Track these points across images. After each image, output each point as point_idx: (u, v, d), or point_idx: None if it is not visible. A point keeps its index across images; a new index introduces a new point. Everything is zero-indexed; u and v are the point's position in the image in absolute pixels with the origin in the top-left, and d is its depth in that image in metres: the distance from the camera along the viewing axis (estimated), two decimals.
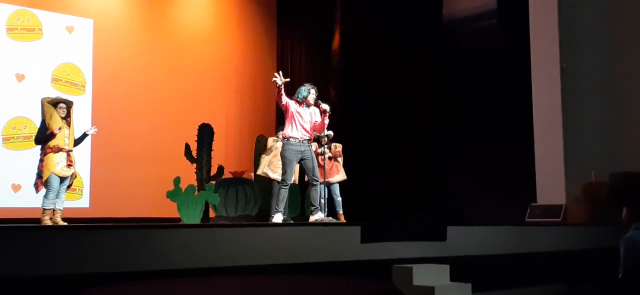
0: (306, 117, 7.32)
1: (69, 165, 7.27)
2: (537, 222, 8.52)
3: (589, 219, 8.37)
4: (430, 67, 11.10)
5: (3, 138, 10.71)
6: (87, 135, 7.80)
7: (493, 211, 9.04)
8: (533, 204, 9.13)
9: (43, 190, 7.29)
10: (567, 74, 9.26)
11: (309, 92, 7.37)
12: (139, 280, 4.08)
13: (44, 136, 7.23)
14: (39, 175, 7.25)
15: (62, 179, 7.26)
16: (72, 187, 7.63)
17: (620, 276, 4.03)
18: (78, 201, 11.29)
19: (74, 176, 7.47)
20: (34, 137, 7.45)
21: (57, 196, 7.22)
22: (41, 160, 7.24)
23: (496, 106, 9.95)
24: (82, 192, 11.41)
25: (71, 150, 7.36)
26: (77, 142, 7.64)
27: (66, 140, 7.27)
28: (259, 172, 9.22)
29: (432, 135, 10.77)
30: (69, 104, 7.46)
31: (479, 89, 10.21)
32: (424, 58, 11.19)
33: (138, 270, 4.61)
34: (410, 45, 11.34)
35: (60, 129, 7.20)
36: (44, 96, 7.63)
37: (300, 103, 7.33)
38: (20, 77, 11.11)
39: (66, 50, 11.64)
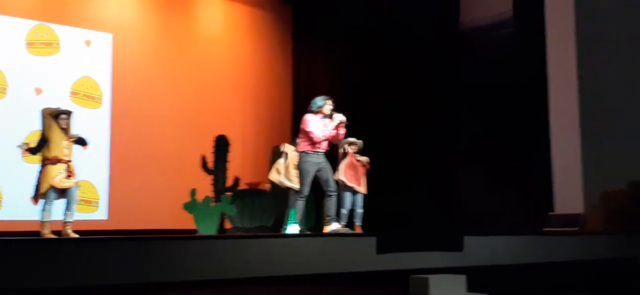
0: (320, 127, 7.32)
1: (69, 176, 7.12)
2: (555, 231, 8.45)
3: (608, 228, 8.29)
4: (448, 76, 11.07)
5: (23, 152, 10.79)
6: (82, 138, 7.55)
7: (510, 221, 8.99)
8: (550, 213, 9.06)
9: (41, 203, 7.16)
10: (584, 81, 9.20)
11: (325, 102, 7.38)
12: (156, 293, 4.10)
13: (33, 149, 7.14)
14: (37, 187, 7.10)
15: (63, 191, 7.12)
16: (87, 200, 7.46)
17: None
18: (94, 213, 11.36)
19: (78, 186, 7.30)
20: (29, 150, 7.26)
21: (68, 209, 7.14)
22: (39, 172, 7.10)
23: (513, 114, 9.91)
24: (97, 204, 11.48)
25: (70, 161, 7.19)
26: (80, 142, 7.42)
27: (65, 151, 7.13)
28: (274, 178, 9.18)
29: (449, 145, 10.73)
30: (69, 115, 7.32)
31: (496, 97, 10.17)
32: (441, 67, 11.17)
33: (154, 282, 4.63)
34: (427, 55, 11.32)
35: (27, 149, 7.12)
36: (44, 107, 7.47)
37: (315, 113, 7.35)
38: (38, 91, 11.23)
39: (84, 64, 11.76)
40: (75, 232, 7.15)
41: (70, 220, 7.14)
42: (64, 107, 7.46)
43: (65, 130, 7.19)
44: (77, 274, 4.41)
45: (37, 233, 7.01)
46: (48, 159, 7.06)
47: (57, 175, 7.01)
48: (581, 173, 8.99)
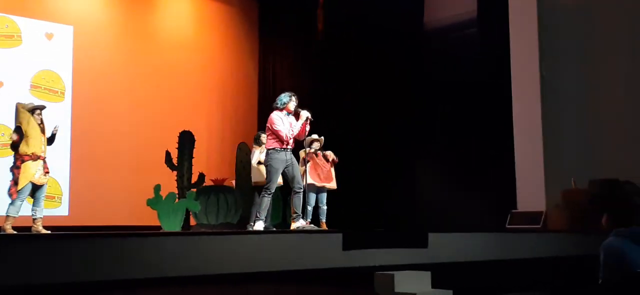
0: (287, 125, 7.33)
1: (46, 173, 7.15)
2: (518, 228, 8.57)
3: (569, 226, 8.42)
4: (411, 75, 11.14)
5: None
6: (55, 133, 7.62)
7: (474, 218, 9.08)
8: (513, 210, 9.18)
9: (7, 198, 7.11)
10: (546, 81, 9.34)
11: (290, 99, 7.42)
12: (118, 290, 4.05)
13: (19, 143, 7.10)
14: (16, 182, 7.07)
15: (39, 187, 7.12)
16: (51, 195, 7.48)
17: (600, 282, 4.04)
18: (57, 209, 11.18)
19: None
20: (10, 145, 7.27)
21: (37, 204, 7.11)
22: (17, 167, 7.06)
23: (476, 113, 10.01)
24: (60, 199, 11.30)
25: (46, 157, 7.22)
26: (50, 141, 7.50)
27: (43, 147, 7.13)
28: (254, 180, 9.15)
29: (413, 143, 10.80)
30: (42, 110, 7.32)
31: (459, 96, 10.27)
32: (404, 66, 11.23)
33: (116, 279, 4.56)
34: (391, 53, 11.38)
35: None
36: (19, 102, 7.42)
37: (280, 110, 7.36)
38: None
39: (45, 57, 11.54)
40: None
41: (40, 216, 7.13)
42: (37, 103, 7.47)
43: (41, 126, 7.16)
44: (38, 271, 4.33)
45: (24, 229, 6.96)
46: (28, 155, 7.00)
47: (36, 172, 6.97)
48: (543, 171, 9.12)
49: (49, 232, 6.87)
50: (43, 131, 7.21)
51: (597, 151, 9.15)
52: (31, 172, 6.97)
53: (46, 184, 7.21)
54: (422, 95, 10.90)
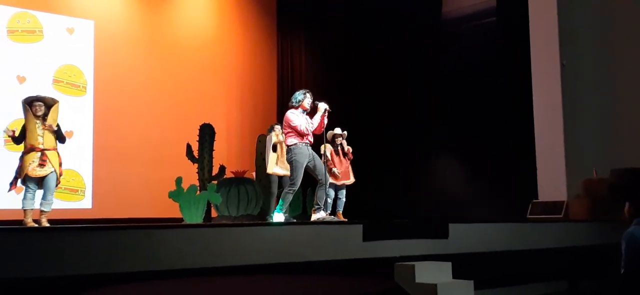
0: (303, 120, 7.37)
1: (42, 165, 6.97)
2: (539, 218, 8.53)
3: (590, 215, 8.38)
4: (431, 65, 11.11)
5: (5, 140, 10.71)
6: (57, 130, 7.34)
7: (495, 208, 9.05)
8: (534, 200, 9.14)
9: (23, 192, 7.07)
10: (567, 70, 9.27)
11: (305, 96, 7.45)
12: (141, 281, 4.09)
13: (17, 137, 7.08)
14: (16, 174, 7.03)
15: (40, 180, 7.02)
16: (73, 189, 7.35)
17: (621, 272, 4.03)
18: (80, 202, 11.31)
19: (59, 174, 7.12)
20: (12, 140, 7.20)
21: (44, 198, 7.07)
22: (20, 160, 7.03)
23: (497, 103, 9.96)
24: (84, 193, 11.43)
25: (47, 150, 7.04)
26: (59, 137, 7.26)
27: (40, 139, 6.99)
28: (269, 171, 9.19)
29: (433, 134, 10.78)
30: (49, 102, 7.17)
31: (479, 86, 10.22)
32: (424, 56, 11.20)
33: (140, 271, 4.62)
34: (409, 43, 11.35)
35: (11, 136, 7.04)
36: (24, 97, 7.38)
37: (295, 108, 7.40)
38: (21, 79, 11.12)
39: (67, 51, 11.66)
40: (60, 221, 7.08)
41: (46, 209, 7.02)
42: (47, 96, 7.37)
43: (41, 118, 7.08)
44: (61, 263, 4.40)
45: (21, 222, 6.96)
46: (25, 148, 6.99)
47: (30, 164, 6.93)
48: (564, 161, 9.07)
49: (49, 225, 6.77)
50: (43, 123, 7.07)
51: (618, 140, 9.08)
52: (27, 164, 6.94)
53: (49, 176, 7.03)
54: (441, 86, 10.87)
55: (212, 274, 4.80)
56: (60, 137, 7.24)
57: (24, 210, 6.96)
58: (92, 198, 11.51)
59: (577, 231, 7.74)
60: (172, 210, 8.83)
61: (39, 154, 6.97)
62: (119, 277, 4.42)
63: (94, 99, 11.77)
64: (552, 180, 9.09)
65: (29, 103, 7.10)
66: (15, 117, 10.89)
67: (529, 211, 8.99)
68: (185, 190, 8.43)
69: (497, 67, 10.06)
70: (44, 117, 7.08)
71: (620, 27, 9.35)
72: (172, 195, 8.43)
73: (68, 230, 4.96)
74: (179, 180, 8.44)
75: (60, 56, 11.58)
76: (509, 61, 9.98)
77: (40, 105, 7.06)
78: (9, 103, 10.76)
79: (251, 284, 3.38)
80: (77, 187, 11.26)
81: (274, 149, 8.81)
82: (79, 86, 11.70)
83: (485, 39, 10.47)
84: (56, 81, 11.45)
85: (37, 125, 7.02)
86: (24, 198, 6.98)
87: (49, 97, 7.29)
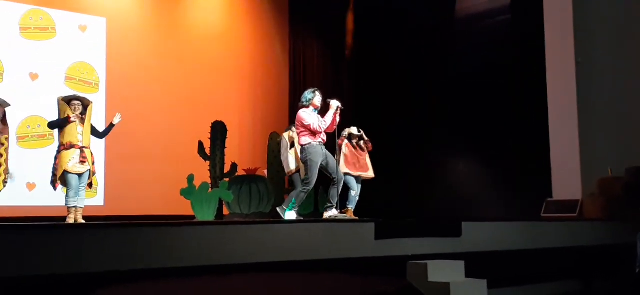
0: (315, 118, 7.34)
1: (82, 162, 7.23)
2: (553, 217, 8.47)
3: (605, 215, 8.30)
4: (444, 63, 11.05)
5: (18, 137, 10.76)
6: (114, 124, 7.77)
7: (509, 207, 8.99)
8: (549, 199, 9.07)
9: (61, 188, 7.33)
10: (582, 68, 9.18)
11: (314, 94, 7.42)
12: (154, 279, 4.09)
13: (58, 122, 7.27)
14: (54, 172, 7.27)
15: (79, 176, 7.24)
16: (92, 185, 7.56)
17: (637, 272, 3.98)
18: (93, 199, 11.34)
19: (92, 173, 7.42)
20: (48, 123, 7.48)
21: (77, 194, 7.23)
22: (55, 158, 7.27)
23: (511, 101, 9.90)
24: (96, 190, 11.42)
25: (86, 147, 7.31)
26: (105, 133, 7.73)
27: (79, 136, 7.24)
28: (291, 170, 9.19)
29: (447, 132, 10.72)
30: (85, 102, 7.43)
31: (494, 85, 10.16)
32: (437, 55, 11.14)
33: (152, 268, 4.61)
34: (423, 42, 11.30)
35: (69, 118, 7.20)
36: (60, 95, 7.64)
37: (306, 107, 7.37)
38: (34, 76, 11.17)
39: (79, 49, 11.70)
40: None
41: (81, 206, 7.27)
42: (80, 95, 7.62)
43: (79, 116, 7.29)
44: (75, 260, 4.40)
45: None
46: (62, 145, 7.18)
47: (71, 160, 7.11)
48: (579, 159, 8.99)
49: (84, 222, 6.99)
50: (82, 122, 7.32)
51: (633, 139, 8.99)
52: (66, 160, 7.12)
53: (85, 174, 7.28)
54: (455, 84, 10.81)
55: (225, 271, 4.79)
56: (97, 133, 7.61)
57: (68, 207, 7.17)
58: (105, 195, 11.55)
59: (591, 230, 7.67)
60: (183, 207, 8.84)
61: (78, 151, 7.21)
62: (133, 275, 4.42)
63: (106, 96, 11.81)
64: (566, 179, 9.01)
65: (68, 101, 7.30)
66: (28, 114, 10.97)
67: (543, 210, 8.93)
68: (197, 188, 8.43)
69: (511, 64, 9.99)
70: (80, 116, 7.33)
71: (637, 24, 9.26)
72: (184, 192, 8.44)
73: (83, 227, 4.97)
74: (190, 178, 8.44)
75: (73, 53, 11.62)
76: (523, 59, 9.90)
77: (78, 105, 7.29)
78: (22, 100, 10.83)
79: (263, 282, 3.37)
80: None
81: (292, 145, 8.83)
82: (92, 83, 11.74)
83: (500, 36, 10.40)
84: (69, 78, 11.49)
85: (76, 123, 7.20)
86: (67, 195, 7.19)
87: (85, 98, 7.56)
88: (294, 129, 8.86)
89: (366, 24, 12.44)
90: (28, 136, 10.99)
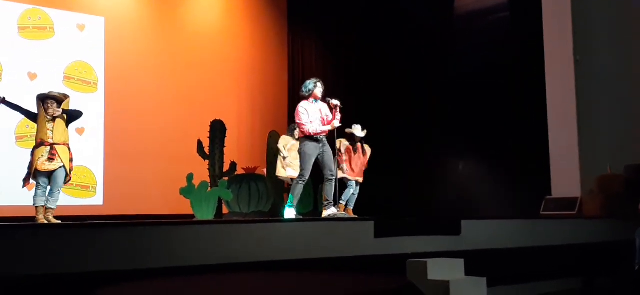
0: (316, 112, 7.30)
1: (51, 159, 6.89)
2: (552, 215, 8.47)
3: (604, 212, 8.30)
4: (442, 61, 11.05)
5: (16, 137, 10.75)
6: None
7: (508, 205, 8.99)
8: (548, 197, 9.07)
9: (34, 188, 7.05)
10: (581, 66, 9.18)
11: (316, 85, 7.36)
12: (153, 278, 4.08)
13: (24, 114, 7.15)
14: (28, 170, 6.99)
15: (49, 175, 6.94)
16: (85, 185, 7.32)
17: (636, 269, 3.98)
18: (92, 199, 11.34)
19: (68, 170, 7.04)
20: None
21: (50, 194, 6.94)
22: (30, 156, 7.00)
23: (510, 99, 9.90)
24: (95, 189, 11.45)
25: (57, 144, 6.98)
26: (71, 117, 7.29)
27: (49, 133, 6.95)
28: (282, 175, 9.20)
29: (447, 131, 10.72)
30: (60, 99, 7.13)
31: (492, 82, 10.16)
32: (436, 53, 11.14)
33: (151, 268, 4.61)
34: (422, 41, 11.29)
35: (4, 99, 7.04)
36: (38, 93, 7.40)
37: (307, 97, 7.33)
38: (32, 76, 11.15)
39: (78, 48, 11.68)
40: (71, 218, 7.03)
41: (51, 206, 6.93)
42: (59, 92, 7.37)
43: (50, 114, 7.06)
44: (73, 260, 4.39)
45: (30, 219, 6.93)
46: (36, 143, 6.99)
47: (40, 158, 6.91)
48: (578, 157, 8.99)
49: (59, 222, 6.74)
50: (53, 119, 7.05)
51: (633, 136, 8.99)
52: (36, 158, 6.92)
53: (58, 172, 6.94)
54: (454, 82, 10.81)
55: (223, 271, 4.78)
56: (72, 116, 7.25)
57: (36, 207, 6.92)
58: (104, 194, 11.54)
59: (591, 228, 7.67)
60: (183, 206, 8.84)
61: (48, 148, 6.91)
62: (132, 275, 4.41)
63: (104, 96, 11.80)
64: (565, 177, 9.01)
65: (42, 100, 7.12)
66: None
67: (542, 207, 8.93)
68: (196, 187, 8.42)
69: (510, 62, 9.99)
70: (51, 113, 7.06)
71: (636, 22, 9.26)
72: (183, 191, 8.44)
73: (82, 227, 4.95)
74: (190, 177, 8.44)
75: (71, 53, 11.60)
76: (522, 57, 9.90)
77: (52, 103, 7.05)
78: (20, 100, 10.75)
79: (263, 281, 3.35)
80: (88, 183, 11.28)
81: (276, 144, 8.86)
82: (90, 83, 11.72)
83: (498, 34, 10.40)
84: (67, 78, 11.48)
85: (47, 120, 7.01)
86: (35, 194, 6.94)
87: (61, 94, 7.27)
88: (290, 132, 8.89)
89: (366, 23, 12.43)
90: (27, 136, 10.96)
